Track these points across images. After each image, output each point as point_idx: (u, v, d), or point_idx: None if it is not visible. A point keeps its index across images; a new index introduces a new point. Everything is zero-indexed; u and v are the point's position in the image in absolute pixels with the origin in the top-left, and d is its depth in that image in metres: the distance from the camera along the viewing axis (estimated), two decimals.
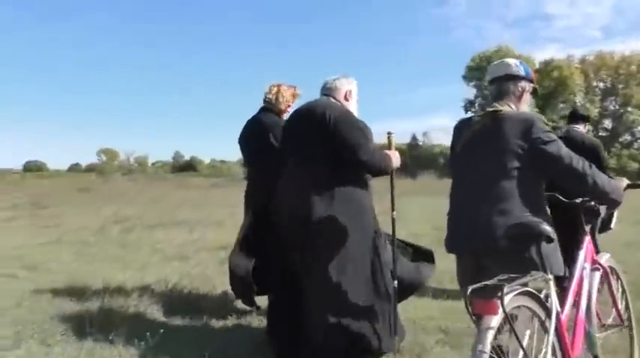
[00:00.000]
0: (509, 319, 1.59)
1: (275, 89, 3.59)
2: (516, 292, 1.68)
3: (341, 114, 2.70)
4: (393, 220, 2.94)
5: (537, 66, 49.87)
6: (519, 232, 1.95)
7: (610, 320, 2.48)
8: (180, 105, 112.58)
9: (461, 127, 2.37)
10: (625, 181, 2.43)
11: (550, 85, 46.89)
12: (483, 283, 1.64)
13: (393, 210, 2.95)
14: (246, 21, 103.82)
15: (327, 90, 2.90)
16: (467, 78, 51.87)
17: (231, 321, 3.68)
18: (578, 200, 2.35)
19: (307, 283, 2.70)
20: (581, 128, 4.12)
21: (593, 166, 2.13)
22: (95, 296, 4.03)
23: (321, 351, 2.61)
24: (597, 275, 2.39)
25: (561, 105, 47.42)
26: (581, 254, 2.32)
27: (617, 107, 51.22)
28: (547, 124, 2.16)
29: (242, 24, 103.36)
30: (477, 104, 51.55)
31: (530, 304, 1.78)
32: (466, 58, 51.50)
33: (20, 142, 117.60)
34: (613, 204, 2.27)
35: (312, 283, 2.67)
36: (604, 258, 2.47)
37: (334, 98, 2.86)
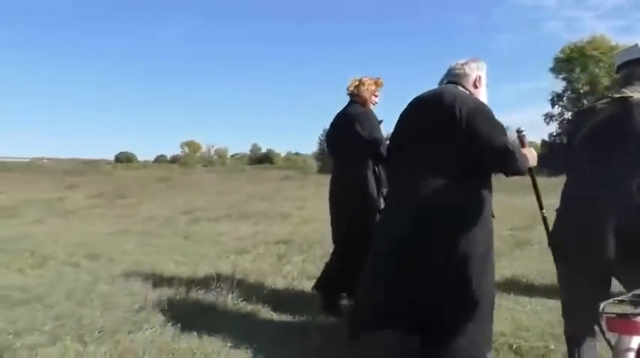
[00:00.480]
0: None
1: (356, 82, 3.59)
2: None
3: (475, 106, 2.29)
4: (544, 218, 2.62)
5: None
6: None
7: None
8: (260, 99, 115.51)
9: (580, 117, 2.16)
10: None
11: None
12: (617, 299, 1.47)
13: (541, 208, 2.66)
14: (328, 19, 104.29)
15: (455, 77, 2.51)
16: (555, 70, 48.87)
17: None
18: None
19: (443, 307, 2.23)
20: None
21: None
22: (147, 289, 3.97)
23: None
24: None
25: None
26: None
27: None
28: None
29: (324, 23, 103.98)
30: (565, 98, 48.54)
31: None
32: (555, 52, 48.30)
33: (113, 134, 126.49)
34: None
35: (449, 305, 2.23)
36: None
37: (462, 86, 2.47)
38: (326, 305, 3.49)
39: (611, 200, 1.87)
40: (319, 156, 73.75)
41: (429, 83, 2.60)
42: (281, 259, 5.42)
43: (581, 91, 46.53)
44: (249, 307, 3.59)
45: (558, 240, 2.10)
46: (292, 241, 6.55)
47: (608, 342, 1.46)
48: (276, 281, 4.37)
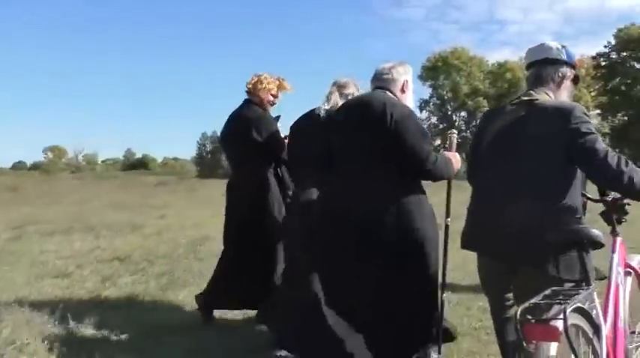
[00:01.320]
0: (572, 346, 1.35)
1: (255, 78, 3.45)
2: (569, 310, 1.39)
3: (403, 114, 2.37)
4: (447, 227, 2.64)
5: (490, 67, 50.76)
6: (564, 237, 1.80)
7: (638, 328, 2.22)
8: (134, 101, 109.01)
9: (491, 117, 2.20)
10: None
11: (503, 86, 47.60)
12: (533, 302, 1.43)
13: (447, 216, 2.69)
14: (201, 21, 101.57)
15: (382, 82, 2.53)
16: (422, 78, 52.17)
17: None
18: (609, 197, 2.11)
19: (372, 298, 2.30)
20: None
21: (630, 163, 1.88)
22: None
23: None
24: (629, 279, 2.17)
25: None
26: (615, 257, 2.04)
27: None
28: (586, 114, 1.95)
29: (199, 25, 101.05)
30: (431, 103, 52.04)
31: (581, 322, 1.52)
32: (422, 60, 51.71)
33: None
34: None
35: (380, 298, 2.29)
36: (635, 260, 2.25)
37: (390, 91, 2.49)
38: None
39: (513, 201, 1.91)
40: (198, 160, 71.68)
41: (311, 83, 2.49)
42: (105, 281, 4.68)
43: (445, 97, 50.20)
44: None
45: (470, 238, 2.12)
46: (130, 257, 5.80)
47: (523, 350, 1.40)
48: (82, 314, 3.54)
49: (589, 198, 2.20)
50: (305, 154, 2.88)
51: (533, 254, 1.87)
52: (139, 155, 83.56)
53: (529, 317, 1.37)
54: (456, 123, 49.51)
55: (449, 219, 2.66)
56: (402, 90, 2.54)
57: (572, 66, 2.14)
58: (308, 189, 2.82)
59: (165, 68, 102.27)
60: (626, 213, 2.12)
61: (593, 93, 48.99)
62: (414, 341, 2.37)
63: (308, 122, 3.00)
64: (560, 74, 2.11)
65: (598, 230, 1.83)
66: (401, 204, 2.32)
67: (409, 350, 2.35)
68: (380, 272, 2.29)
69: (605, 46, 44.77)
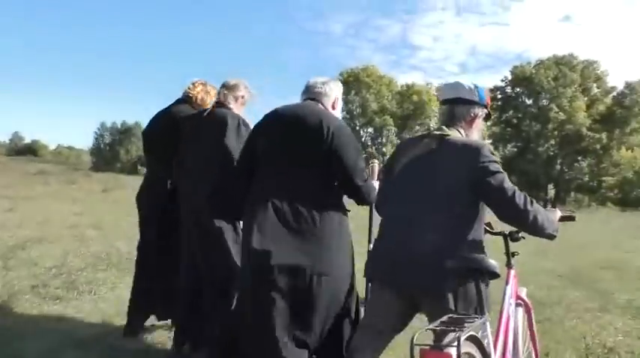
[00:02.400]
0: None
1: (199, 87, 3.38)
2: (463, 338, 1.42)
3: (339, 127, 2.39)
4: (369, 252, 2.49)
5: (399, 88, 52.65)
6: (463, 267, 1.87)
7: (524, 356, 2.33)
8: (27, 81, 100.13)
9: (403, 148, 2.23)
10: (558, 213, 2.22)
11: (409, 108, 49.45)
12: (429, 328, 1.50)
13: (369, 242, 2.73)
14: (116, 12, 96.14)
15: (316, 95, 2.54)
16: None
17: None
18: (507, 231, 2.24)
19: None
20: None
21: (534, 202, 1.98)
22: None
23: None
24: (521, 311, 2.30)
25: (417, 127, 50.18)
26: (508, 289, 2.15)
27: None
28: (493, 153, 2.01)
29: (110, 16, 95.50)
30: (341, 117, 52.61)
31: (473, 350, 1.59)
32: (336, 74, 52.38)
33: None
34: (549, 238, 2.06)
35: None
36: (524, 292, 2.37)
37: (323, 105, 2.52)
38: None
39: (419, 232, 1.95)
40: (94, 151, 67.26)
41: None
42: None
43: (354, 113, 51.19)
44: None
45: (373, 269, 2.14)
46: None
47: None
48: None
49: (488, 231, 2.18)
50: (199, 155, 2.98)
51: (434, 282, 1.90)
52: (27, 140, 76.92)
53: (425, 342, 1.43)
54: (363, 139, 50.58)
55: (371, 245, 2.58)
56: (333, 106, 2.57)
57: (484, 106, 2.19)
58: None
59: (65, 44, 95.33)
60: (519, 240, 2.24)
61: (488, 123, 52.41)
62: None
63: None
64: (472, 114, 2.15)
65: (493, 261, 1.91)
66: (327, 217, 2.33)
67: None
68: (301, 279, 2.29)
69: (502, 80, 48.06)
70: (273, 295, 2.25)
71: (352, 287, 2.43)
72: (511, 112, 47.70)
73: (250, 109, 3.23)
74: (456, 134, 2.09)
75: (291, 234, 2.28)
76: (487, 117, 2.22)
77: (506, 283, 2.16)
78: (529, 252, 8.55)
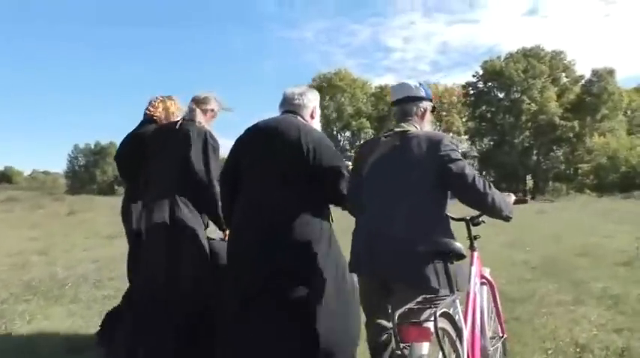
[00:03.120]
0: (441, 345, 1.57)
1: (160, 107, 3.34)
2: (438, 314, 1.60)
3: (319, 140, 2.45)
4: None
5: (373, 90, 52.68)
6: (432, 251, 1.98)
7: (491, 333, 2.46)
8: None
9: (368, 147, 2.36)
10: (513, 197, 2.38)
11: (384, 109, 49.42)
12: (407, 307, 1.63)
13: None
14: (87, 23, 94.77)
15: (294, 107, 2.58)
16: None
17: None
18: (468, 216, 2.38)
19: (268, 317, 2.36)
20: None
21: (492, 185, 2.15)
22: None
23: None
24: (485, 289, 2.45)
25: None
26: (473, 270, 2.30)
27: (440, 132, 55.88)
28: (453, 143, 2.18)
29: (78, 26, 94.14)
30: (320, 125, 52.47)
31: (446, 325, 1.74)
32: (309, 81, 52.19)
33: None
34: (506, 219, 2.23)
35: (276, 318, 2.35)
36: (487, 272, 2.52)
37: (302, 117, 2.57)
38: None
39: (393, 226, 2.08)
40: (69, 174, 65.99)
41: None
42: None
43: (330, 118, 50.96)
44: None
45: (355, 262, 2.22)
46: None
47: (398, 350, 1.58)
48: None
49: (452, 218, 2.26)
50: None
51: (408, 266, 2.01)
52: (0, 167, 75.26)
53: (404, 320, 1.58)
54: (341, 143, 50.43)
55: None
56: (312, 116, 2.63)
57: (430, 99, 2.37)
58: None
59: (30, 76, 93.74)
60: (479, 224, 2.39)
61: (463, 119, 52.77)
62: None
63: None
64: (422, 109, 2.34)
65: (458, 243, 2.02)
66: (311, 227, 2.40)
67: None
68: (292, 286, 2.36)
69: (474, 76, 48.38)
70: (268, 303, 2.34)
71: (348, 288, 2.49)
72: (484, 107, 48.01)
73: (230, 121, 3.29)
74: (413, 128, 2.23)
75: (278, 245, 2.35)
76: (433, 110, 2.41)
77: (471, 264, 2.30)
78: (503, 243, 8.39)
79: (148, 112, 3.34)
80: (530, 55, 45.68)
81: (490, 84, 47.53)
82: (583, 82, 45.61)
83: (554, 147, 45.21)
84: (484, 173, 51.11)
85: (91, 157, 64.12)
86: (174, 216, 2.77)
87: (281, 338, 2.31)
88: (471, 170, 2.11)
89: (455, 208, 2.26)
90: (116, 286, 4.98)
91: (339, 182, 2.44)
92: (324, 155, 2.42)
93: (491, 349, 2.36)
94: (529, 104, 43.65)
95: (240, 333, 2.38)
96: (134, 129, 3.35)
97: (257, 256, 2.36)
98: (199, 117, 3.00)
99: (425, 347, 1.58)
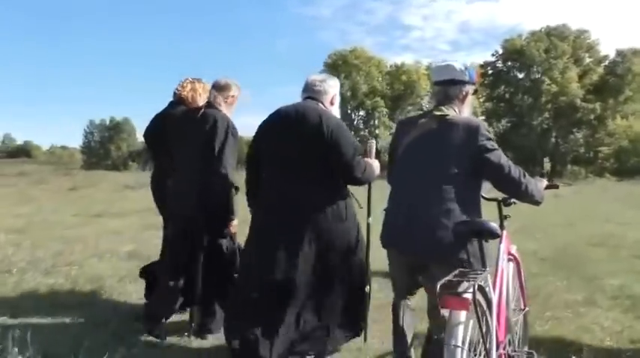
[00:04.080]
0: (478, 315, 1.77)
1: (188, 87, 3.43)
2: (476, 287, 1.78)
3: (338, 126, 2.63)
4: (369, 226, 2.95)
5: (388, 69, 51.59)
6: (469, 230, 2.11)
7: (513, 305, 2.55)
8: (15, 85, 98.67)
9: (405, 126, 2.45)
10: (544, 182, 2.54)
11: (399, 88, 48.42)
12: (447, 279, 1.77)
13: (369, 216, 3.00)
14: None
15: (315, 94, 2.74)
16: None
17: None
18: (500, 197, 2.52)
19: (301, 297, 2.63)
20: None
21: (526, 174, 2.31)
22: None
23: None
24: (512, 265, 2.57)
25: (409, 107, 49.23)
26: (502, 247, 2.42)
27: None
28: (489, 131, 2.26)
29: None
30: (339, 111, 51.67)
31: (479, 296, 1.86)
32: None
33: None
34: (537, 204, 2.42)
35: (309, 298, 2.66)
36: (514, 249, 2.63)
37: (322, 103, 2.73)
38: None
39: (428, 208, 2.22)
40: (85, 149, 66.20)
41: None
42: None
43: (345, 96, 50.10)
44: None
45: (388, 238, 2.39)
46: None
47: (433, 316, 2.13)
48: None
49: (484, 198, 2.44)
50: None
51: (445, 245, 2.15)
52: (19, 141, 75.96)
53: (445, 291, 1.73)
54: (355, 122, 49.63)
55: (370, 218, 2.98)
56: (331, 103, 2.77)
57: (474, 83, 2.41)
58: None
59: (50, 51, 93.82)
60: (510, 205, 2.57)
61: (481, 100, 51.50)
62: (342, 326, 2.73)
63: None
64: (464, 92, 2.38)
65: (493, 223, 2.11)
66: (331, 207, 2.61)
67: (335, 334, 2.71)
68: (314, 262, 2.63)
69: (493, 55, 46.99)
70: (288, 270, 2.58)
71: (361, 262, 2.78)
72: (503, 87, 46.72)
73: (242, 100, 3.35)
74: (452, 113, 2.30)
75: (301, 223, 2.59)
76: (475, 92, 2.47)
77: (500, 242, 2.41)
78: (513, 230, 7.77)
79: (177, 92, 3.45)
80: (553, 34, 44.05)
81: (509, 63, 46.11)
82: (607, 62, 44.00)
83: (574, 130, 43.81)
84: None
85: (106, 133, 64.31)
86: (199, 203, 2.99)
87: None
88: (506, 160, 2.25)
89: (486, 187, 2.39)
90: (70, 273, 4.57)
91: (353, 167, 2.60)
92: (341, 140, 2.58)
93: (514, 320, 2.49)
94: (549, 85, 42.27)
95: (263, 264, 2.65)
96: (163, 110, 3.47)
97: (280, 239, 2.61)
98: (221, 104, 3.14)
99: (463, 315, 1.74)
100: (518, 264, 2.65)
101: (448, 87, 2.35)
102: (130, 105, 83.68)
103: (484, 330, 1.87)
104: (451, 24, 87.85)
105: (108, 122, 64.68)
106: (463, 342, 1.71)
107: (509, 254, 2.56)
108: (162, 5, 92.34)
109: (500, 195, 2.49)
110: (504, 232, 2.47)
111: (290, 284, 2.56)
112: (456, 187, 2.19)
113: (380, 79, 50.24)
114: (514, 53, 44.57)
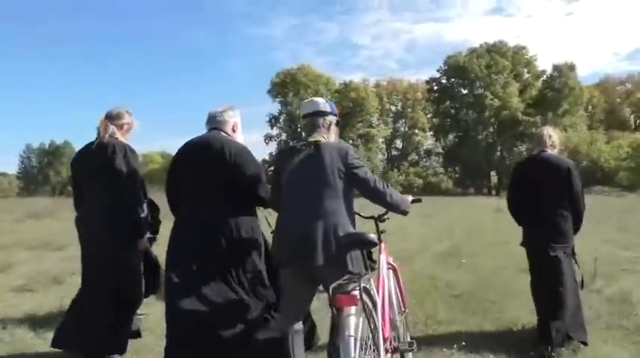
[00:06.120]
0: (364, 307, 2.16)
1: (102, 121, 3.39)
2: (361, 286, 2.20)
3: (239, 151, 2.82)
4: (274, 237, 3.02)
5: (337, 86, 51.73)
6: (352, 241, 2.41)
7: (395, 304, 2.90)
8: None
9: (286, 154, 2.73)
10: (410, 197, 2.90)
11: (348, 106, 48.45)
12: (337, 283, 2.14)
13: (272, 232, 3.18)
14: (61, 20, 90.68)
15: (218, 124, 2.93)
16: (272, 93, 51.37)
17: None
18: (376, 215, 2.95)
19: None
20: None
21: (389, 185, 2.69)
22: None
23: None
24: (391, 273, 2.96)
25: (359, 124, 49.34)
26: (382, 258, 2.82)
27: (406, 129, 55.39)
28: (355, 152, 2.68)
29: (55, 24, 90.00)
30: (281, 120, 51.38)
31: (365, 297, 2.23)
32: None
33: None
34: (403, 213, 2.80)
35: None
36: (391, 259, 3.02)
37: (224, 131, 2.91)
38: None
39: (314, 222, 2.48)
40: (22, 175, 62.98)
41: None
42: None
43: (294, 114, 49.73)
44: None
45: (281, 256, 2.62)
46: None
47: (334, 315, 2.15)
48: None
49: (362, 216, 2.89)
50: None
51: (334, 255, 2.42)
52: None
53: (336, 292, 2.11)
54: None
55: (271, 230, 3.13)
56: (233, 130, 2.98)
57: (335, 114, 2.79)
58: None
59: None
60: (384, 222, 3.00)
61: (428, 115, 52.28)
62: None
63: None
64: (328, 122, 2.74)
65: (373, 234, 2.44)
66: (237, 226, 2.77)
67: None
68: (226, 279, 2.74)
69: (437, 71, 47.90)
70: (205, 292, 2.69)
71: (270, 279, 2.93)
72: (448, 103, 47.63)
73: (196, 121, 3.34)
74: (322, 139, 2.63)
75: (214, 242, 2.72)
76: (337, 123, 2.80)
77: (380, 253, 2.83)
78: (437, 254, 7.28)
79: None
80: (493, 50, 45.44)
81: (453, 79, 47.12)
82: (545, 77, 45.65)
83: (518, 143, 45.02)
84: (449, 169, 50.85)
85: (44, 158, 61.24)
86: (103, 227, 3.12)
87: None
88: (371, 175, 2.63)
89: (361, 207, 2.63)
90: None
91: (258, 186, 2.83)
92: (244, 163, 2.79)
93: (398, 320, 2.84)
94: (492, 100, 43.39)
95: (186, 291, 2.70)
96: (89, 143, 3.42)
97: (193, 252, 2.74)
98: (116, 133, 3.26)
99: (353, 310, 2.10)
100: (396, 272, 3.03)
101: (315, 118, 2.71)
102: (69, 128, 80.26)
103: (372, 327, 2.24)
104: (398, 43, 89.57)
105: (47, 146, 61.70)
106: (355, 331, 2.07)
107: (389, 263, 2.95)
108: (104, 26, 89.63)
109: (375, 213, 2.93)
110: (382, 245, 2.87)
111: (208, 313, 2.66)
112: (337, 203, 2.51)
113: (329, 96, 50.27)
114: (457, 69, 45.58)
